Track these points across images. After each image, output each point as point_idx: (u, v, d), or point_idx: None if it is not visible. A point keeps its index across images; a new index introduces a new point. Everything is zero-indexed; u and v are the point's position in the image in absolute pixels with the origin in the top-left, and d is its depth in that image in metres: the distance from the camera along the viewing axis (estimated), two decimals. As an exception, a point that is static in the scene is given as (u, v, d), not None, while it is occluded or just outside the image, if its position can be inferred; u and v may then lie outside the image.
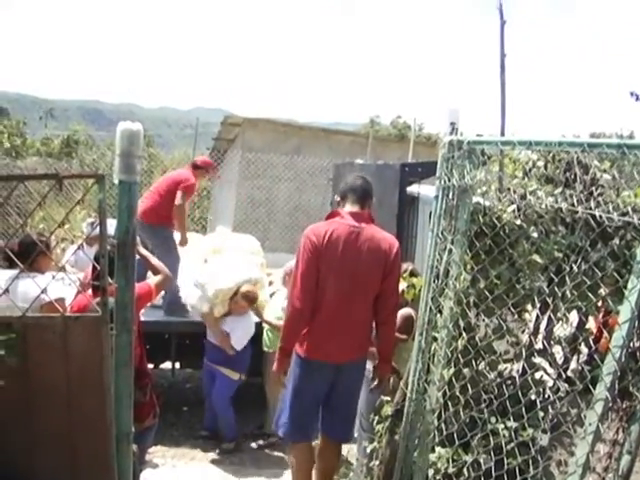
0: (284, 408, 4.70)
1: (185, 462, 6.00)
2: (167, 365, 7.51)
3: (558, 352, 4.63)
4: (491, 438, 3.61)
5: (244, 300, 6.52)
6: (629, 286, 2.83)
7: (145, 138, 21.28)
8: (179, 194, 7.07)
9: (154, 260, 4.98)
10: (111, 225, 2.82)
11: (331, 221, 4.54)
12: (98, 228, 2.81)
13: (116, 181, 2.80)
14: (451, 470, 3.75)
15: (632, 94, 5.96)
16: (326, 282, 4.39)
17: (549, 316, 4.21)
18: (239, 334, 6.51)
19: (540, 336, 4.42)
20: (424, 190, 7.41)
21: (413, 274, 5.34)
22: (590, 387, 2.96)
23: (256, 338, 6.67)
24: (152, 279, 4.97)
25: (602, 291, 3.81)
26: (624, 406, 3.12)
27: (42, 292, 3.02)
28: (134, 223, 2.82)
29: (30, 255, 4.12)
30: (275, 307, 6.63)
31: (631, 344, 2.94)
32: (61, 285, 4.22)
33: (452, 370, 3.77)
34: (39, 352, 2.78)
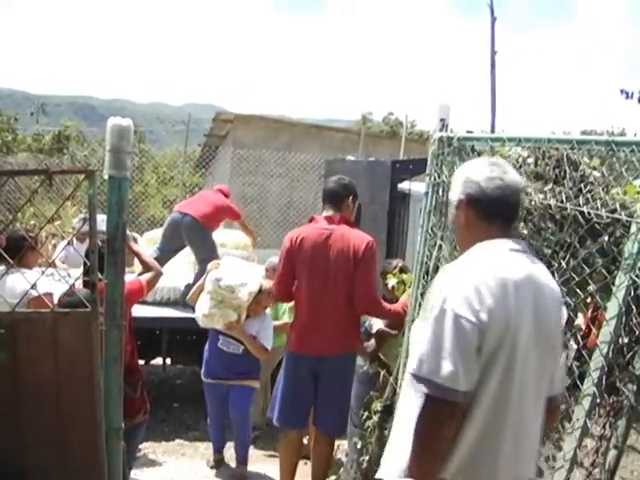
0: (276, 397, 5.22)
1: (175, 458, 6.00)
2: (158, 361, 7.50)
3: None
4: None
5: (268, 297, 5.87)
6: (617, 282, 2.86)
7: (137, 134, 21.22)
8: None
9: (145, 256, 4.97)
10: (103, 221, 2.82)
11: (307, 226, 4.98)
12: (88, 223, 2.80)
13: (106, 177, 2.80)
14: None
15: (622, 91, 5.99)
16: (301, 282, 4.84)
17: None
18: (268, 333, 5.87)
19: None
20: (415, 187, 7.42)
21: (403, 271, 5.35)
22: (578, 383, 2.98)
23: None
24: (144, 275, 4.96)
25: (591, 287, 3.83)
26: (611, 401, 3.13)
27: (32, 287, 3.01)
28: (124, 218, 2.82)
29: (18, 250, 4.10)
30: None
31: (619, 340, 2.95)
32: (49, 280, 4.21)
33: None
34: (28, 347, 2.78)
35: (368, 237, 4.78)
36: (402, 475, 2.23)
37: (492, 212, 2.37)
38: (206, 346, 5.94)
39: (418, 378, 2.16)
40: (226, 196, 8.21)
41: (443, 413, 2.14)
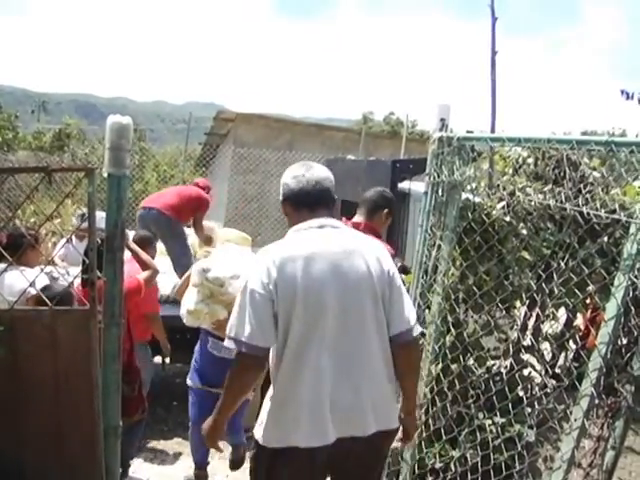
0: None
1: (174, 456, 5.99)
2: (157, 360, 7.49)
3: (546, 349, 4.65)
4: (478, 434, 3.64)
5: None
6: (615, 283, 2.85)
7: (137, 132, 21.19)
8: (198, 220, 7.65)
9: (143, 255, 4.98)
10: (102, 218, 2.83)
11: None
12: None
13: (105, 174, 2.80)
14: (438, 465, 3.78)
15: (623, 92, 5.98)
16: None
17: (537, 313, 4.23)
18: None
19: (528, 333, 4.45)
20: (415, 186, 7.41)
21: (403, 270, 5.35)
22: (576, 383, 2.99)
23: None
24: (141, 274, 4.97)
25: (590, 288, 3.83)
26: (609, 402, 3.14)
27: (30, 285, 3.02)
28: (123, 216, 2.82)
29: (18, 248, 4.11)
30: None
31: (618, 341, 2.96)
32: (48, 279, 4.22)
33: (440, 366, 3.79)
34: (27, 344, 2.78)
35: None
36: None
37: (297, 202, 2.98)
38: (196, 347, 5.18)
39: (230, 339, 2.75)
40: (205, 189, 8.00)
41: (247, 363, 2.76)
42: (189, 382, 5.14)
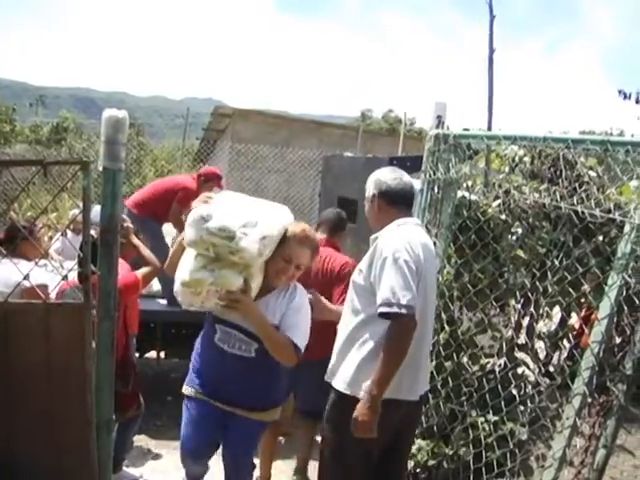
0: None
1: (168, 451, 5.98)
2: (152, 354, 7.49)
3: (540, 347, 4.66)
4: (471, 431, 3.64)
5: (304, 249, 3.52)
6: (609, 282, 2.86)
7: (135, 127, 21.16)
8: (175, 204, 6.84)
9: (145, 251, 4.97)
10: (99, 212, 2.82)
11: None
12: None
13: (100, 168, 2.79)
14: (431, 462, 3.78)
15: (620, 92, 5.98)
16: None
17: (532, 311, 4.24)
18: (299, 320, 3.49)
19: (522, 331, 4.45)
20: (412, 184, 7.41)
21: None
22: (569, 382, 2.99)
23: None
24: (141, 270, 4.96)
25: (585, 287, 3.84)
26: (601, 401, 3.14)
27: (24, 278, 3.01)
28: (118, 211, 2.81)
29: (13, 241, 4.11)
30: None
31: (611, 340, 2.96)
32: (44, 272, 4.21)
33: (434, 363, 3.79)
34: (21, 338, 2.77)
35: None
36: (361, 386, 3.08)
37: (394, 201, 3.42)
38: (197, 342, 3.86)
39: (389, 304, 2.99)
40: (205, 178, 7.14)
41: (411, 326, 3.03)
42: (186, 390, 3.75)
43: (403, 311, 2.99)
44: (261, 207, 3.48)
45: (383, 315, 3.02)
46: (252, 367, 3.52)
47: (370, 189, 3.46)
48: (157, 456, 5.84)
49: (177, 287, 3.41)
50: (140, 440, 5.93)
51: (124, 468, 5.05)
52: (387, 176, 3.43)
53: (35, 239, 5.15)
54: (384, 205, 3.40)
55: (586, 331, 3.38)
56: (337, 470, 3.26)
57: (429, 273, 3.24)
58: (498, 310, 3.99)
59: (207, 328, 3.71)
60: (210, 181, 7.08)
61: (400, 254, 3.09)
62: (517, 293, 4.01)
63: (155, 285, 6.96)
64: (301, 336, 3.41)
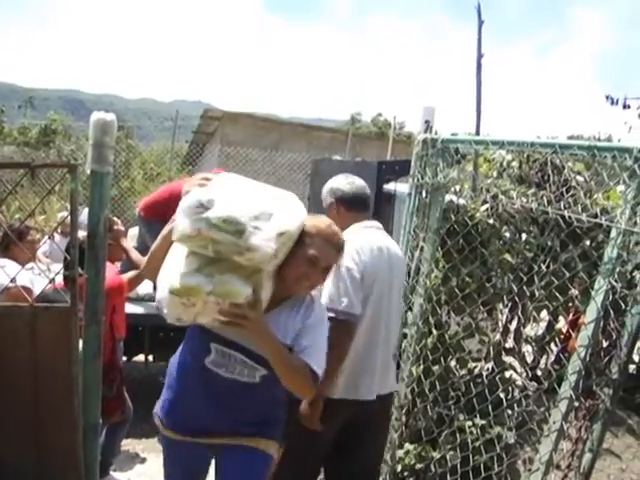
0: None
1: (156, 455, 5.95)
2: (140, 358, 7.46)
3: (528, 351, 4.68)
4: (458, 435, 3.65)
5: (331, 249, 2.77)
6: (596, 287, 2.87)
7: (125, 129, 21.05)
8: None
9: (134, 254, 4.95)
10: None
11: None
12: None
13: (88, 171, 2.78)
14: (418, 466, 3.79)
15: (608, 98, 6.02)
16: None
17: (519, 315, 4.25)
18: (318, 340, 2.73)
19: (510, 335, 4.47)
20: (401, 188, 7.43)
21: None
22: (555, 386, 3.00)
23: None
24: (127, 273, 4.94)
25: (572, 291, 3.86)
26: (588, 405, 3.16)
27: (11, 281, 3.00)
28: (105, 214, 2.81)
29: (8, 244, 4.10)
30: None
31: (598, 344, 2.97)
32: (30, 274, 4.19)
33: (421, 367, 3.80)
34: (6, 341, 2.76)
35: None
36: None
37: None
38: (172, 361, 3.05)
39: (328, 309, 3.04)
40: None
41: (349, 330, 3.22)
42: (158, 422, 2.94)
43: (341, 317, 3.17)
44: (273, 195, 2.72)
45: None
46: (254, 394, 2.78)
47: (327, 198, 3.61)
48: (144, 460, 5.82)
49: (162, 295, 2.56)
50: (127, 444, 5.91)
51: (111, 472, 5.04)
52: (341, 182, 3.60)
53: (27, 242, 5.13)
54: (343, 211, 3.56)
55: (573, 335, 3.39)
56: (288, 464, 3.26)
57: (381, 278, 3.37)
58: (486, 314, 4.00)
59: (193, 346, 2.86)
60: None
61: (344, 262, 3.10)
62: (505, 297, 4.02)
63: (143, 288, 6.93)
64: (320, 361, 2.67)
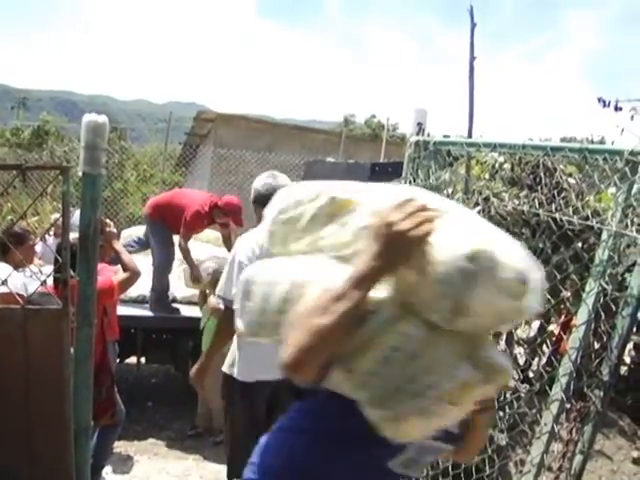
0: None
1: (148, 457, 5.96)
2: (132, 360, 7.46)
3: (520, 353, 4.68)
4: (450, 437, 3.65)
5: None
6: (587, 289, 2.88)
7: (118, 131, 21.00)
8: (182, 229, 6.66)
9: (126, 256, 4.94)
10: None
11: None
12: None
13: (80, 173, 2.78)
14: (410, 468, 3.78)
15: (600, 100, 6.04)
16: None
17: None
18: None
19: (502, 337, 4.47)
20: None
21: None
22: (547, 388, 3.01)
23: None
24: (118, 275, 4.92)
25: (563, 294, 3.86)
26: (579, 407, 3.16)
27: (3, 283, 2.99)
28: (97, 216, 2.80)
29: (8, 248, 4.10)
30: None
31: (589, 346, 2.98)
32: (21, 276, 4.18)
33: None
34: (-2, 343, 2.76)
35: None
36: None
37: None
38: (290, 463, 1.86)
39: (220, 297, 3.68)
40: (224, 211, 6.80)
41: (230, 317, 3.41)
42: None
43: (228, 304, 3.59)
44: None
45: None
46: None
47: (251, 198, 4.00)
48: (137, 462, 5.81)
49: (424, 404, 1.59)
50: (120, 446, 5.91)
51: (103, 475, 5.03)
52: (258, 183, 3.96)
53: (27, 247, 5.10)
54: (259, 210, 3.70)
55: (564, 337, 3.41)
56: (229, 432, 3.96)
57: None
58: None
59: (365, 447, 1.79)
60: (226, 215, 6.78)
61: (236, 255, 3.65)
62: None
63: (134, 291, 6.92)
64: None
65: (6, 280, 2.97)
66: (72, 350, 2.80)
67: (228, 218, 6.84)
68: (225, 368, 3.83)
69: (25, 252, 4.90)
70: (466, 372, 1.59)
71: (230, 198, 6.94)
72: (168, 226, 6.87)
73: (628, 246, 3.00)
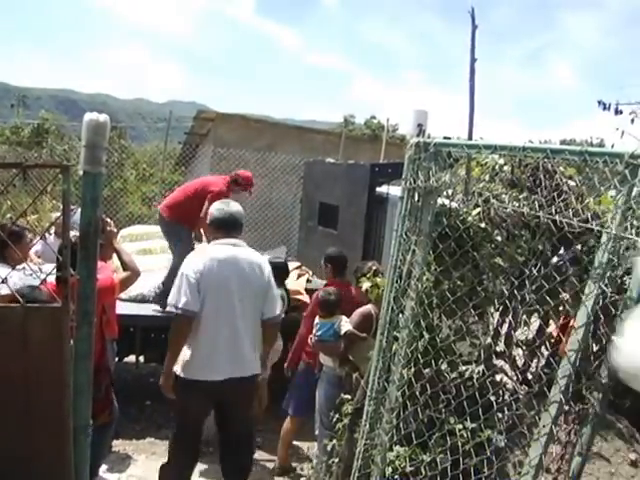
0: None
1: (146, 456, 5.96)
2: (131, 358, 7.46)
3: (519, 355, 4.69)
4: (448, 438, 3.66)
5: None
6: (586, 291, 2.88)
7: (118, 130, 21.01)
8: (207, 203, 6.67)
9: (125, 255, 4.95)
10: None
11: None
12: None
13: (81, 172, 2.78)
14: (409, 469, 3.79)
15: (600, 103, 6.04)
16: None
17: (510, 319, 4.26)
18: None
19: (502, 339, 4.48)
20: (393, 191, 7.44)
21: (377, 273, 5.39)
22: (546, 390, 3.01)
23: None
24: (118, 274, 4.93)
25: (563, 295, 3.86)
26: (577, 409, 3.17)
27: (2, 282, 2.99)
28: (97, 214, 2.81)
29: (5, 245, 4.10)
30: None
31: (588, 348, 2.98)
32: (22, 275, 4.17)
33: (412, 370, 3.80)
34: (-2, 342, 2.76)
35: None
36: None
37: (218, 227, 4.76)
38: None
39: (170, 305, 4.43)
40: (236, 182, 7.34)
41: (188, 321, 4.41)
42: None
43: (178, 312, 4.39)
44: None
45: None
46: None
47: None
48: (135, 461, 5.82)
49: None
50: (118, 445, 5.92)
51: (101, 474, 5.03)
52: (214, 208, 4.79)
53: (24, 245, 5.11)
54: (212, 231, 4.78)
55: (563, 339, 3.40)
56: (175, 427, 4.82)
57: (219, 284, 4.47)
58: (477, 318, 4.00)
59: None
60: (240, 185, 7.39)
61: (183, 269, 4.47)
62: (496, 301, 4.03)
63: (134, 290, 6.93)
64: None
65: (6, 279, 2.97)
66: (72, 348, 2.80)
67: (248, 189, 7.52)
68: (175, 367, 4.49)
69: (21, 250, 4.91)
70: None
71: (245, 172, 7.71)
72: (190, 222, 7.04)
73: (627, 249, 3.00)
